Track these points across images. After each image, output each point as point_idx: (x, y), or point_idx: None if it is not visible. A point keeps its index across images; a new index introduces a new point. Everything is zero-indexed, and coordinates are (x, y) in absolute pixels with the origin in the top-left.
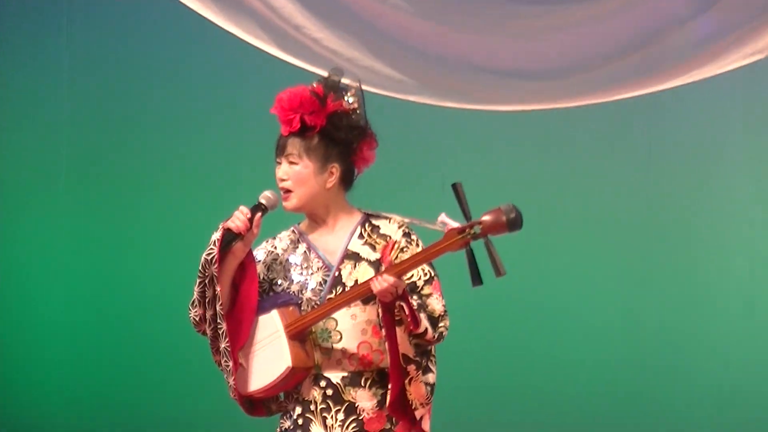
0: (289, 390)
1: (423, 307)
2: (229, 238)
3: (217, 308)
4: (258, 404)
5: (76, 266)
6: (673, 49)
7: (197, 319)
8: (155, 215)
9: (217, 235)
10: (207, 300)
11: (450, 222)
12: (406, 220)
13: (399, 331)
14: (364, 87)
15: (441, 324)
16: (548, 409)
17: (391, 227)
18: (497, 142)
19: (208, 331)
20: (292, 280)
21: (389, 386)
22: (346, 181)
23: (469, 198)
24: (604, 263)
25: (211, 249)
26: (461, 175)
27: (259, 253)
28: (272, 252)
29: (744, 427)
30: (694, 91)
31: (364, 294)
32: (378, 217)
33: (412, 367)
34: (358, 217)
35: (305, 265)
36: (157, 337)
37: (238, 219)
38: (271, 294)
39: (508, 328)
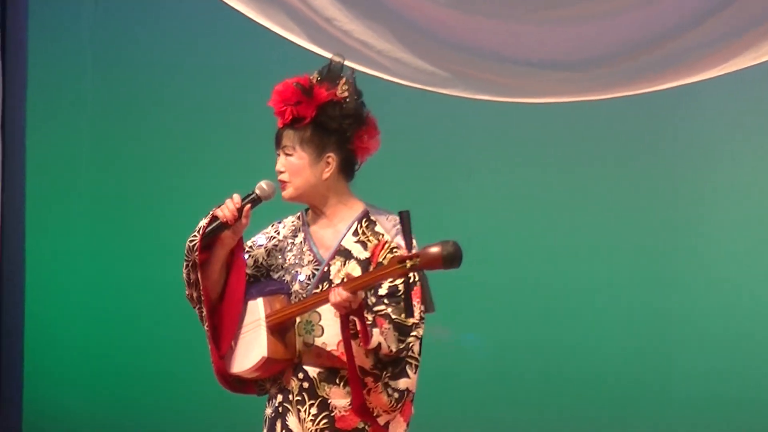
0: (273, 375)
1: (388, 317)
2: (216, 225)
3: (200, 293)
4: (248, 383)
5: (100, 263)
6: (696, 43)
7: (188, 297)
8: (179, 213)
9: (203, 222)
10: (192, 282)
11: (402, 243)
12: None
13: (354, 344)
14: (396, 80)
15: (413, 333)
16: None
17: (386, 225)
18: (520, 133)
19: (197, 311)
20: (286, 269)
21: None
22: (346, 170)
23: (491, 190)
24: (624, 259)
25: (194, 236)
26: (484, 166)
27: (261, 238)
28: (274, 237)
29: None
30: (718, 86)
31: (323, 302)
32: (378, 212)
33: (369, 379)
34: (358, 211)
35: (299, 256)
36: (179, 334)
37: (227, 208)
38: (263, 280)
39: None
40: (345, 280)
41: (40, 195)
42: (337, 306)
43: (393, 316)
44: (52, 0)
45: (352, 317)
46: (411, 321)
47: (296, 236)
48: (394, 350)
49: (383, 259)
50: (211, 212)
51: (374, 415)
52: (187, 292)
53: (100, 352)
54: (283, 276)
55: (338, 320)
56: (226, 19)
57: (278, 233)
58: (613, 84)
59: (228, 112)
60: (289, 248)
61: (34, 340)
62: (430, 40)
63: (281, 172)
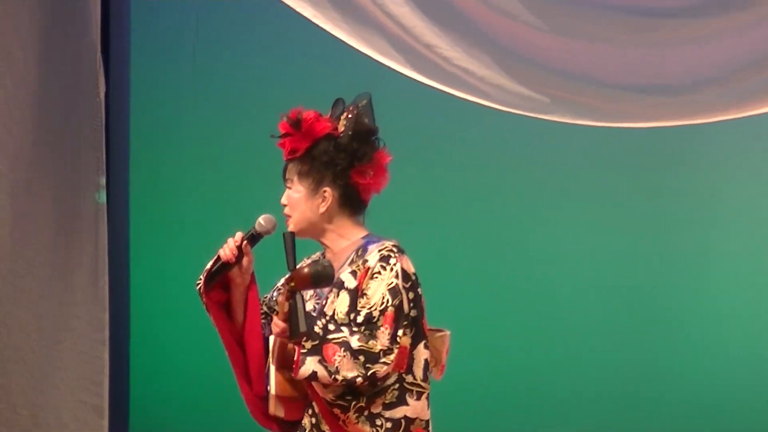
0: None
1: (346, 344)
2: (220, 265)
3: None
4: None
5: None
6: None
7: None
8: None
9: (209, 264)
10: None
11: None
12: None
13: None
14: (496, 106)
15: (382, 360)
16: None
17: (372, 251)
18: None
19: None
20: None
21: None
22: (347, 204)
23: (580, 210)
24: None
25: (199, 280)
26: (570, 186)
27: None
28: None
29: None
30: None
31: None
32: (372, 240)
33: (336, 410)
34: (356, 243)
35: (310, 291)
36: None
37: (228, 247)
38: None
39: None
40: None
41: (144, 202)
42: (278, 335)
43: (356, 344)
44: (154, 15)
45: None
46: (378, 348)
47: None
48: (348, 378)
49: (365, 286)
50: (216, 253)
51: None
52: None
53: (205, 355)
54: None
55: None
56: (321, 36)
57: None
58: (707, 109)
59: None
60: None
61: (139, 343)
62: (530, 65)
63: (284, 206)
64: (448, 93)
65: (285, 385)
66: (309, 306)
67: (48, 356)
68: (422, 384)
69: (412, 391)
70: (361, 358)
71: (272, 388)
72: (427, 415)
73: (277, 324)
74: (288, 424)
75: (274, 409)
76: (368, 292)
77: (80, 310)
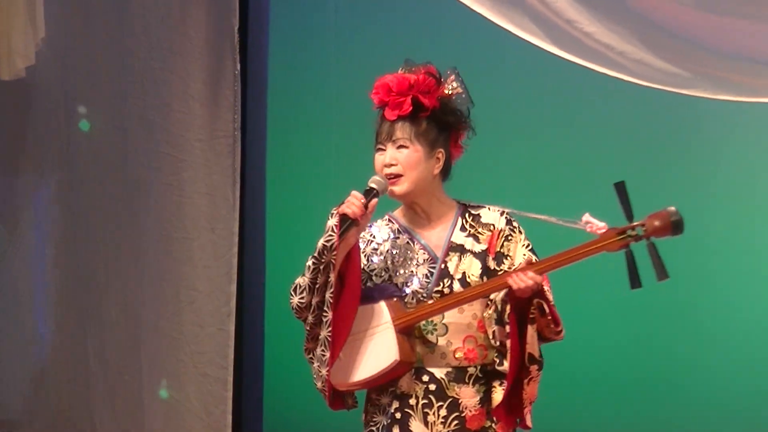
0: (384, 384)
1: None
2: (346, 224)
3: (327, 296)
4: (338, 397)
5: None
6: None
7: (301, 305)
8: None
9: (334, 221)
10: (317, 287)
11: (595, 222)
12: (535, 215)
13: (530, 330)
14: (638, 81)
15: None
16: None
17: (492, 215)
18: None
19: (310, 318)
20: (396, 272)
21: (496, 384)
22: (445, 170)
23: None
24: None
25: (330, 235)
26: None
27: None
28: (371, 241)
29: None
30: None
31: (495, 289)
32: (476, 206)
33: (534, 367)
34: (454, 207)
35: (409, 256)
36: None
37: (354, 204)
38: (369, 284)
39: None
40: (524, 263)
41: (281, 201)
42: (523, 291)
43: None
44: (293, 9)
45: (536, 300)
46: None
47: (398, 238)
48: (559, 332)
49: (501, 248)
50: (335, 211)
51: (523, 407)
52: (301, 300)
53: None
54: (391, 279)
55: (462, 317)
56: (466, 18)
57: (374, 237)
58: None
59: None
60: (390, 251)
61: (274, 337)
62: (674, 40)
63: (392, 165)
64: (590, 68)
65: (406, 350)
66: (423, 270)
67: (171, 330)
68: None
69: None
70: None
71: (397, 354)
72: None
73: (533, 277)
74: (347, 397)
75: (394, 374)
76: (510, 254)
77: (202, 283)
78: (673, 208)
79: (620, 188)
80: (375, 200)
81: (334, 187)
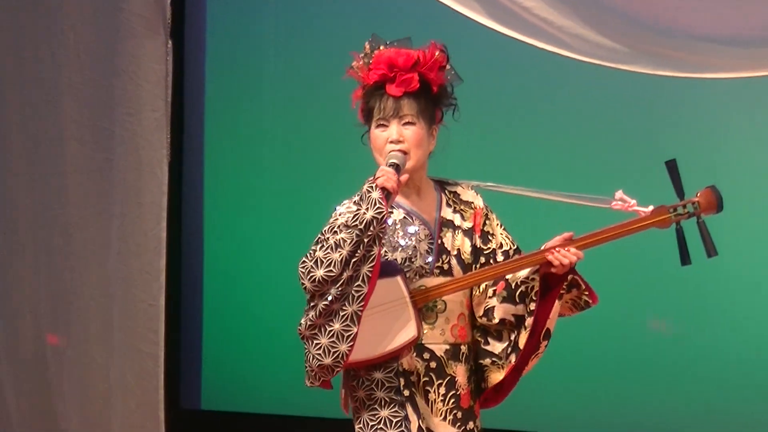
0: (389, 361)
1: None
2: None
3: (365, 269)
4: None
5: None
6: None
7: (329, 278)
8: None
9: (377, 194)
10: (355, 261)
11: (628, 199)
12: (566, 200)
13: (556, 306)
14: (576, 56)
15: None
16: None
17: (469, 194)
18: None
19: (333, 291)
20: (397, 247)
21: (487, 363)
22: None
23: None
24: None
25: (381, 207)
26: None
27: None
28: None
29: None
30: None
31: (530, 265)
32: (450, 183)
33: (545, 343)
34: (432, 183)
35: (409, 231)
36: None
37: (392, 179)
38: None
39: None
40: (562, 238)
41: (220, 176)
42: (563, 267)
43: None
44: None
45: (570, 276)
46: None
47: (391, 213)
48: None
49: (484, 226)
50: (375, 184)
51: (514, 385)
52: (329, 273)
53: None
54: (391, 255)
55: (458, 294)
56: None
57: None
58: None
59: None
60: (393, 226)
61: (213, 312)
62: (614, 15)
63: (400, 142)
64: (528, 43)
65: (420, 326)
66: (424, 246)
67: (103, 305)
68: None
69: None
70: None
71: (416, 330)
72: None
73: (577, 253)
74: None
75: (407, 352)
76: (493, 232)
77: (133, 258)
78: (715, 187)
79: (671, 166)
80: (406, 176)
81: (272, 163)
